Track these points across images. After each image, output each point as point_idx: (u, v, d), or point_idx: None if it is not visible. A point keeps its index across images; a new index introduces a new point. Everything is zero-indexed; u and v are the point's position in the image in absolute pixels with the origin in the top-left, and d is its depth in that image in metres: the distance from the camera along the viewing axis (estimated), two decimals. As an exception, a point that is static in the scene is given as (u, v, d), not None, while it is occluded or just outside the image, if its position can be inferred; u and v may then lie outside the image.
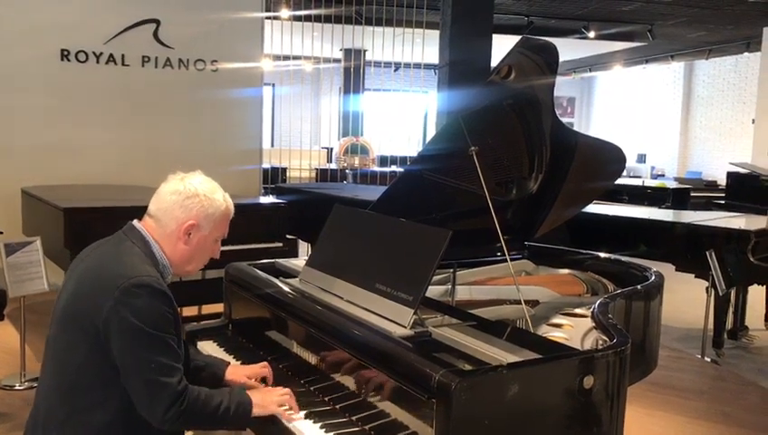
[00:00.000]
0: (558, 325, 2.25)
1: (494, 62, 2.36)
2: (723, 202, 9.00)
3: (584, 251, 3.20)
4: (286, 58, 10.26)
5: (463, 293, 2.63)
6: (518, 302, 2.17)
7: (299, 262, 2.70)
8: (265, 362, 2.14)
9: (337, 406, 1.92)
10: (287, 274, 2.60)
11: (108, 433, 1.74)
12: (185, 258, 1.91)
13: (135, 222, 1.92)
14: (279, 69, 11.00)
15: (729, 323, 5.22)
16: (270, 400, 1.89)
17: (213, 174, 1.98)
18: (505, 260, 2.33)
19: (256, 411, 1.85)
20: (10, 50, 5.86)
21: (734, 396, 4.24)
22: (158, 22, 6.38)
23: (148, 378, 1.69)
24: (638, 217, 5.58)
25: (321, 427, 1.82)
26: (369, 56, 13.93)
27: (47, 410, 1.79)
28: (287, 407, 1.89)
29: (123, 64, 6.30)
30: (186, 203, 1.87)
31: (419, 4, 9.51)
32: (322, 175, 11.26)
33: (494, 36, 8.22)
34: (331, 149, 14.73)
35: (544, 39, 2.43)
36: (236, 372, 2.09)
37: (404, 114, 16.90)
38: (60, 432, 1.75)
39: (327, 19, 10.25)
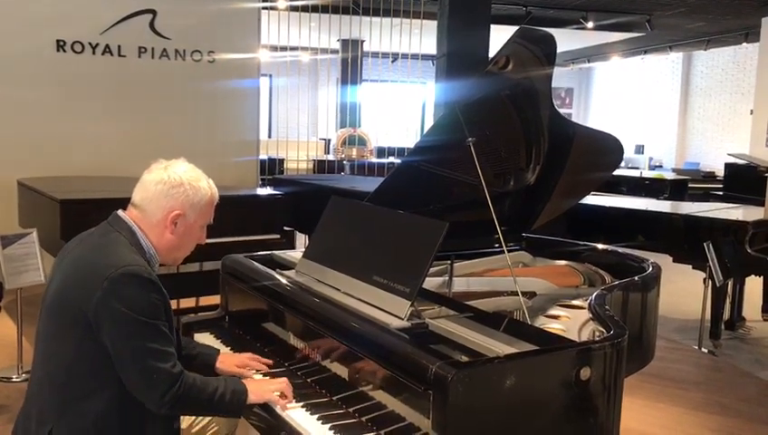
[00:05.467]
0: (555, 317, 2.25)
1: (492, 53, 2.34)
2: (720, 193, 9.00)
3: (581, 242, 3.20)
4: (283, 49, 10.21)
5: (460, 284, 2.63)
6: (515, 293, 2.17)
7: (296, 254, 2.69)
8: (251, 353, 2.17)
9: (334, 397, 1.92)
10: (284, 265, 2.60)
11: (103, 421, 1.75)
12: (171, 247, 1.92)
13: (120, 212, 1.91)
14: (276, 60, 10.94)
15: (726, 314, 5.23)
16: (266, 389, 1.91)
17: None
18: (503, 251, 2.32)
19: (252, 399, 1.87)
20: (5, 41, 5.82)
21: (731, 387, 4.26)
22: (154, 12, 6.34)
23: (143, 364, 1.71)
24: (636, 209, 5.58)
25: (319, 418, 1.82)
26: (366, 47, 13.86)
27: (41, 401, 1.80)
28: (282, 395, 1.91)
29: (119, 55, 6.27)
30: (171, 193, 1.86)
31: (417, -5, 9.47)
32: (320, 166, 11.22)
33: (492, 27, 8.18)
34: (329, 140, 14.68)
35: (542, 29, 2.42)
36: (225, 360, 2.14)
37: (402, 105, 16.85)
38: (55, 422, 1.75)
39: (324, 9, 10.20)
